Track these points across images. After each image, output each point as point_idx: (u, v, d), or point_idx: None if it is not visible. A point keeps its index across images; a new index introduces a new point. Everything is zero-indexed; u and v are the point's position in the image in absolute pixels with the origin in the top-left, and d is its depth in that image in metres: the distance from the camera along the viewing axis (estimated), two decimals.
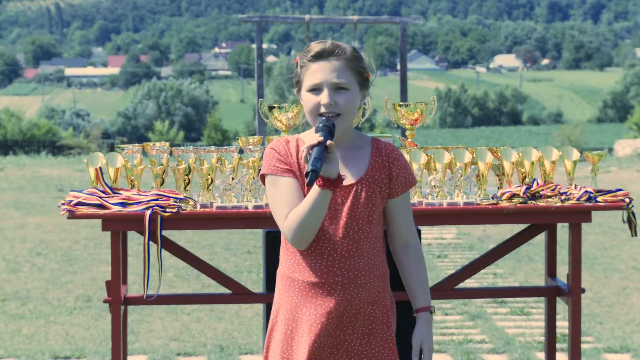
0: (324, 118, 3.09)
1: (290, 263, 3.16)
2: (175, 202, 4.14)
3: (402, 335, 3.63)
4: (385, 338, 3.16)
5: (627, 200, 4.32)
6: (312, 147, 2.96)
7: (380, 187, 3.16)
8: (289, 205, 3.08)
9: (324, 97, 3.11)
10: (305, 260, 3.12)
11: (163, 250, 4.23)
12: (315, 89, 3.13)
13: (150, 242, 4.12)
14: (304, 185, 3.10)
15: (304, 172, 2.97)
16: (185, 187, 4.31)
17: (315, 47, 3.15)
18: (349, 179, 3.13)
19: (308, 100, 3.14)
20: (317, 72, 3.13)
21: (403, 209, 3.21)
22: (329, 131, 3.03)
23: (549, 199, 4.30)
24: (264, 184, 3.20)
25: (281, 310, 3.17)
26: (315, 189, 3.00)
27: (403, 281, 3.25)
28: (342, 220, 3.10)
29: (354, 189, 3.12)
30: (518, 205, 4.25)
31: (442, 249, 10.52)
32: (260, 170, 3.25)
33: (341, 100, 3.11)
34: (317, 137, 2.97)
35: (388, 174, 3.17)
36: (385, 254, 3.22)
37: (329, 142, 2.97)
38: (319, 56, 3.14)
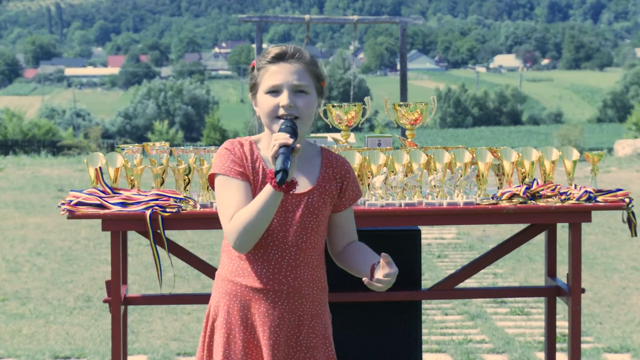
0: (283, 120, 3.02)
1: (234, 267, 3.09)
2: (175, 202, 4.14)
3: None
4: (328, 354, 3.12)
5: (627, 200, 4.32)
6: (282, 145, 2.90)
7: (330, 199, 3.12)
8: (237, 207, 3.00)
9: (283, 99, 3.03)
10: (252, 265, 3.06)
11: (163, 250, 4.23)
12: (274, 91, 3.05)
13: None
14: (255, 190, 3.04)
15: (273, 171, 2.89)
16: (185, 187, 4.32)
17: (275, 49, 3.09)
18: (301, 187, 3.07)
19: (265, 102, 3.06)
20: (277, 74, 3.05)
21: (350, 220, 3.21)
22: (293, 132, 2.97)
23: (549, 199, 4.30)
24: (211, 184, 3.13)
25: (220, 313, 3.09)
26: (267, 190, 2.93)
27: (353, 267, 3.13)
28: (292, 228, 3.05)
29: (306, 197, 3.07)
30: (518, 205, 4.25)
31: (442, 249, 10.52)
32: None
33: (300, 103, 3.04)
34: (287, 137, 2.91)
35: (338, 187, 3.14)
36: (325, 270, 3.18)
37: (298, 145, 2.92)
38: (279, 58, 3.07)
